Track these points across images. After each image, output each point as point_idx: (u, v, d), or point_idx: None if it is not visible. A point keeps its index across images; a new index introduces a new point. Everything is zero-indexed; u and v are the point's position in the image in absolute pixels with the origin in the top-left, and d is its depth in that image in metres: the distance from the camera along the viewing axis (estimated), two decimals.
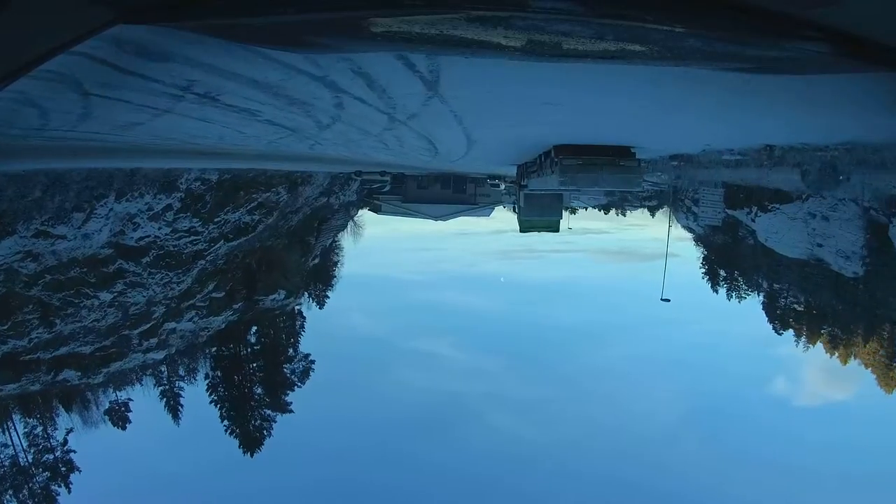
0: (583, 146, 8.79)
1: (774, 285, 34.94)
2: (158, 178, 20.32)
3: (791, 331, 32.72)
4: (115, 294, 23.59)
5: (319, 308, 50.75)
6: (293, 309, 43.18)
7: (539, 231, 23.58)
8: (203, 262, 25.16)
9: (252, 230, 27.73)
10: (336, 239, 52.96)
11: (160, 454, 33.88)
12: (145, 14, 1.99)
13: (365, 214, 54.56)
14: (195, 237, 23.63)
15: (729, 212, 34.91)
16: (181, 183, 21.25)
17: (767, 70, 2.99)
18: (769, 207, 30.59)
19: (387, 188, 43.15)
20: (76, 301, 23.31)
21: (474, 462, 37.32)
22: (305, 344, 43.27)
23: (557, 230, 23.40)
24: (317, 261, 48.73)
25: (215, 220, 24.25)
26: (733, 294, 39.25)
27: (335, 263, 55.35)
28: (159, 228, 21.92)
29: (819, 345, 30.74)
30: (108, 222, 20.96)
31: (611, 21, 1.99)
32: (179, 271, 24.15)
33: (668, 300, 24.65)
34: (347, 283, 56.07)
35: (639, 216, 59.11)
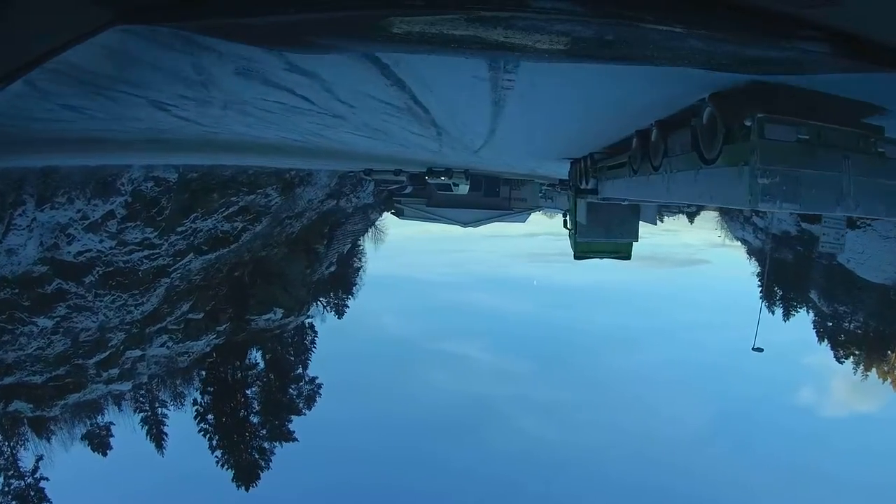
0: (802, 92, 3.15)
1: (840, 308, 33.47)
2: (87, 180, 15.81)
3: (851, 358, 32.45)
4: (58, 319, 19.29)
5: (338, 318, 46.61)
6: (303, 323, 38.84)
7: (602, 257, 16.14)
8: (168, 279, 20.68)
9: (234, 240, 23.17)
10: (356, 244, 48.49)
11: (141, 488, 30.48)
12: (145, 14, 1.93)
13: (387, 218, 50.24)
14: (152, 251, 19.13)
15: (804, 225, 31.30)
16: (122, 184, 16.69)
17: (768, 70, 2.92)
18: (859, 223, 24.98)
19: (407, 189, 37.83)
20: (10, 327, 19.19)
21: (503, 466, 39.40)
22: (317, 361, 39.07)
23: (629, 257, 15.88)
24: (332, 269, 44.28)
25: (178, 229, 19.70)
26: (790, 314, 38.01)
27: (357, 270, 51.04)
28: (101, 241, 17.47)
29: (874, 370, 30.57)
30: (32, 235, 16.66)
31: (611, 21, 1.91)
32: (136, 292, 19.72)
33: (762, 349, 19.45)
34: (371, 288, 52.86)
35: (675, 222, 54.19)
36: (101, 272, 18.53)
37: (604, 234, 13.50)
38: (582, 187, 11.76)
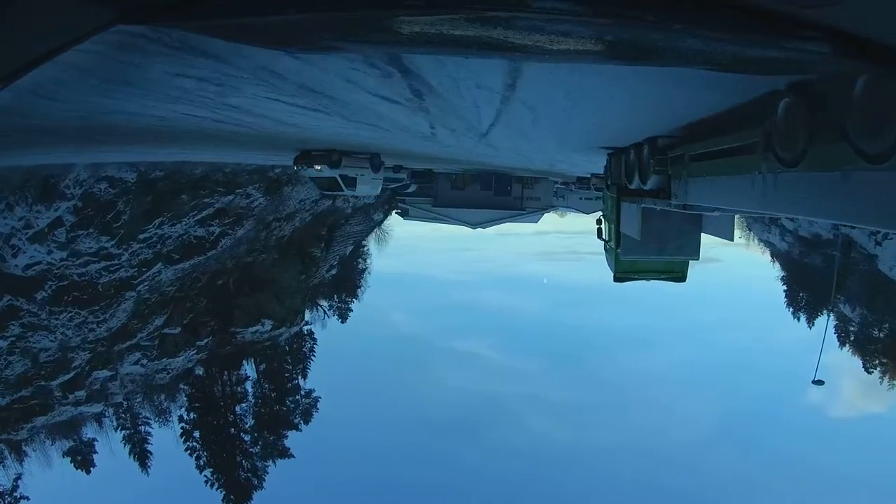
0: None
1: (869, 316, 32.98)
2: (25, 183, 13.66)
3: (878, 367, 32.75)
4: (13, 339, 17.25)
5: (341, 322, 44.78)
6: (301, 331, 36.81)
7: (650, 279, 13.10)
8: (133, 292, 18.55)
9: (211, 246, 20.98)
10: (360, 245, 46.33)
11: None
12: (145, 14, 1.90)
13: (392, 219, 48.15)
14: (110, 262, 17.00)
15: (841, 229, 29.89)
16: (67, 187, 14.52)
17: (768, 70, 2.98)
18: None
19: (411, 188, 35.40)
20: None
21: (514, 464, 39.61)
22: (319, 365, 37.37)
23: (684, 279, 13.00)
24: (334, 272, 42.22)
25: (140, 236, 17.53)
26: (813, 320, 37.49)
27: (361, 272, 48.97)
28: (49, 252, 15.36)
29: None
30: None
31: (611, 21, 1.91)
32: (96, 308, 17.60)
33: (822, 382, 17.45)
34: (378, 289, 51.45)
35: None
36: (53, 287, 16.43)
37: (656, 251, 10.13)
38: (632, 187, 8.43)
